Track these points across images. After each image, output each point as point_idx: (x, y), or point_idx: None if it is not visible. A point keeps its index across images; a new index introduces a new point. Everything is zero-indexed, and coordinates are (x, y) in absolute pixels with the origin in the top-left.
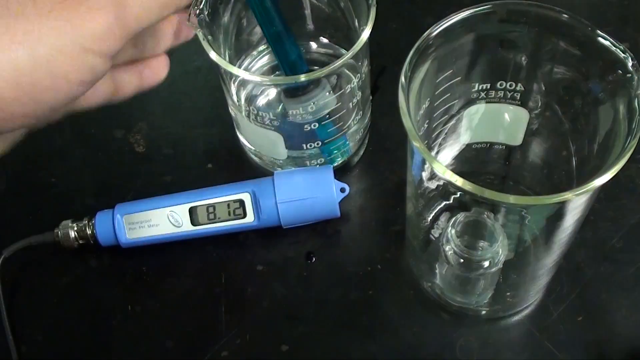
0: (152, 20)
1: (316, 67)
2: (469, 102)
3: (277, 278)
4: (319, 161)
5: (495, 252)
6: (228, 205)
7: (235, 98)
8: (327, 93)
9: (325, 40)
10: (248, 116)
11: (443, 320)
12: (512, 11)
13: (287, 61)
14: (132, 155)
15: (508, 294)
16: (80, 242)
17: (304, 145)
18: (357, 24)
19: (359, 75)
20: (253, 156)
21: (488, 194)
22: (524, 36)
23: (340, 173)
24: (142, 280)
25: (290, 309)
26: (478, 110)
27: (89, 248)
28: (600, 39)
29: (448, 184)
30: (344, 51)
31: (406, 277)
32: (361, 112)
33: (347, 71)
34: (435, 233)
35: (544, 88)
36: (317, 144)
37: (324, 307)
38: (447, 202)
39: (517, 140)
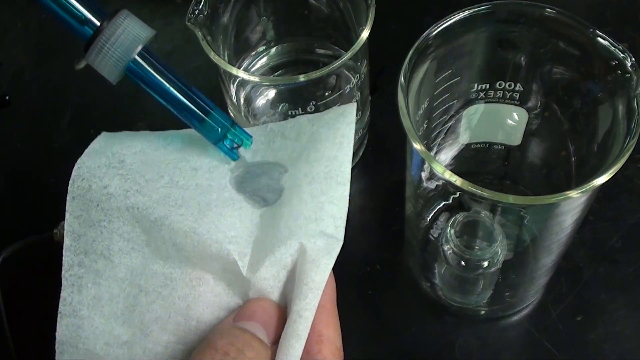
0: None
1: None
2: (468, 102)
3: None
4: None
5: (494, 252)
6: None
7: (234, 98)
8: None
9: (324, 41)
10: (247, 116)
11: (442, 320)
12: (511, 11)
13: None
14: None
15: (507, 293)
16: None
17: None
18: (356, 24)
19: (358, 75)
20: None
21: (487, 194)
22: (523, 36)
23: None
24: None
25: None
26: (477, 110)
27: None
28: (599, 39)
29: (447, 183)
30: (343, 51)
31: (405, 277)
32: (360, 112)
33: (346, 71)
34: (435, 233)
35: (543, 88)
36: None
37: None
38: (446, 202)
39: (516, 140)
